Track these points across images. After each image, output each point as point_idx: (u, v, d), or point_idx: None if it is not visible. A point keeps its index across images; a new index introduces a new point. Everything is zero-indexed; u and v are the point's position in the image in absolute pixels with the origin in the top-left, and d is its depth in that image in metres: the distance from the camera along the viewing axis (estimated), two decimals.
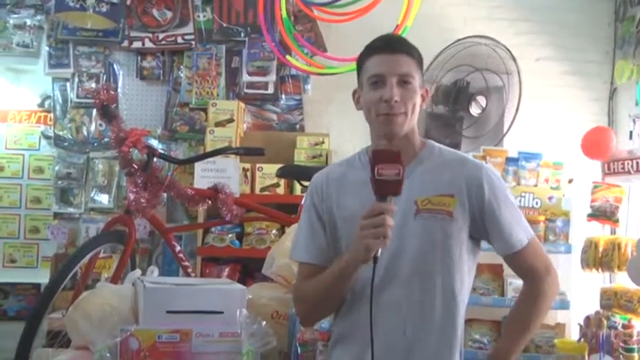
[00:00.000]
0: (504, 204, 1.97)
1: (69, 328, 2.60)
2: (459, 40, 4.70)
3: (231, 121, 4.52)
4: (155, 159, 3.17)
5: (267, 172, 4.37)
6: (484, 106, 4.77)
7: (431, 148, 2.05)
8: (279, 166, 3.86)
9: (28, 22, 4.87)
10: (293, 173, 3.75)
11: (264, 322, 2.55)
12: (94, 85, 4.81)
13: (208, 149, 4.26)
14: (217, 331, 2.30)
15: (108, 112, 3.13)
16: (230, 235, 4.31)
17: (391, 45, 1.98)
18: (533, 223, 4.16)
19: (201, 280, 3.07)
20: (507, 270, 4.29)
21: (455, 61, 4.71)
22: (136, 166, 3.13)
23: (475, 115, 4.76)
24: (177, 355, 2.26)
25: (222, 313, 2.35)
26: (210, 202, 3.29)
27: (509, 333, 2.04)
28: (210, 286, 2.53)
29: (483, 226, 1.97)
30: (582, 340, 3.89)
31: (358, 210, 1.85)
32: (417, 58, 2.00)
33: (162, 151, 3.25)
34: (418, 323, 1.94)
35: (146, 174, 3.15)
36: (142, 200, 3.09)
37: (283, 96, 4.90)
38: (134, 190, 3.11)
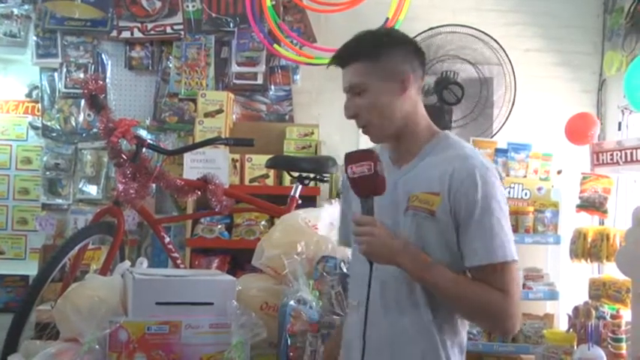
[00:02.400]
0: (482, 212, 1.78)
1: (58, 319, 2.59)
2: (438, 27, 4.66)
3: (220, 111, 4.50)
4: (144, 149, 3.15)
5: (257, 163, 4.36)
6: (473, 97, 4.76)
7: (437, 141, 1.91)
8: (269, 157, 3.85)
9: (16, 11, 4.83)
10: (282, 164, 3.74)
11: (254, 314, 2.56)
12: (82, 75, 4.77)
13: (197, 140, 4.23)
14: (207, 323, 2.31)
15: (96, 103, 3.10)
16: (219, 227, 4.29)
17: (338, 60, 1.93)
18: (522, 214, 4.23)
19: (190, 272, 3.07)
20: None
21: (442, 52, 4.69)
22: (124, 157, 3.10)
23: (464, 106, 4.76)
24: (166, 346, 2.26)
25: (211, 304, 2.35)
26: (199, 192, 3.28)
27: (452, 274, 1.81)
28: (200, 277, 2.53)
29: (458, 227, 1.83)
30: (571, 330, 3.92)
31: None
32: (372, 54, 1.87)
33: (151, 142, 3.22)
34: (397, 318, 1.90)
35: (135, 164, 3.12)
36: (131, 191, 3.07)
37: (272, 87, 4.89)
38: (123, 180, 3.09)
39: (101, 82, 3.15)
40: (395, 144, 1.95)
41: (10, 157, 4.98)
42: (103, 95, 3.26)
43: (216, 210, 3.26)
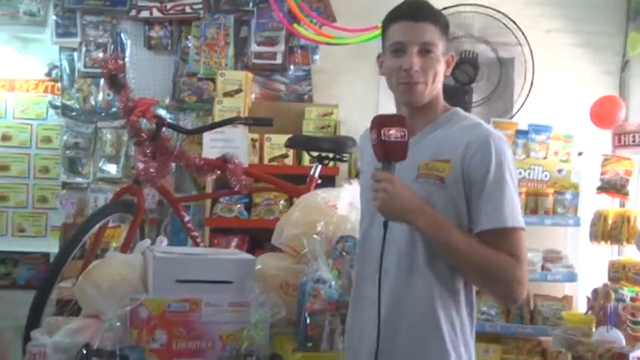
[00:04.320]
0: (497, 181, 1.82)
1: (79, 297, 2.62)
2: (458, 5, 4.62)
3: (239, 91, 4.48)
4: (164, 129, 3.15)
5: (276, 143, 4.35)
6: (493, 77, 4.73)
7: (453, 114, 1.98)
8: (288, 136, 3.84)
9: None
10: (302, 143, 3.73)
11: (273, 293, 2.57)
12: (101, 54, 4.77)
13: (216, 119, 4.23)
14: (226, 301, 2.32)
15: (116, 82, 3.10)
16: (238, 206, 4.30)
17: (415, 12, 1.93)
18: (542, 195, 4.21)
19: (210, 250, 3.07)
20: None
21: (462, 32, 4.65)
22: (144, 136, 3.11)
23: (484, 86, 4.73)
24: (186, 323, 2.28)
25: (231, 282, 2.36)
26: (219, 172, 3.28)
27: (466, 237, 1.84)
28: (220, 256, 2.54)
29: (469, 194, 1.86)
30: (590, 312, 3.92)
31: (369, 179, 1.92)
32: (442, 24, 1.95)
33: (170, 121, 3.23)
34: (403, 288, 1.92)
35: (155, 143, 3.13)
36: (151, 170, 3.08)
37: (292, 66, 4.86)
38: (143, 159, 3.10)
39: (121, 62, 3.14)
40: (414, 113, 1.97)
41: (30, 136, 5.00)
42: (123, 74, 3.23)
43: (236, 189, 3.27)
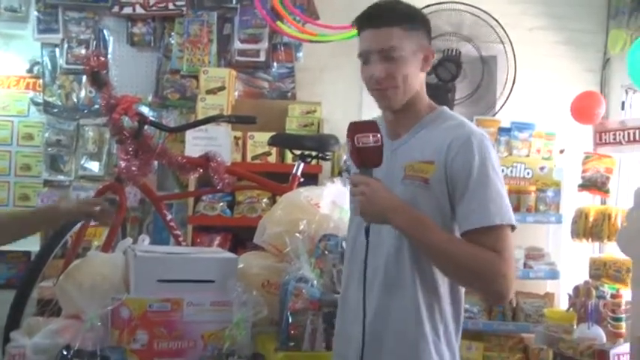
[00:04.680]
0: (480, 179, 1.81)
1: (60, 296, 2.60)
2: (440, 3, 4.64)
3: (222, 88, 4.47)
4: (146, 127, 3.14)
5: (259, 141, 4.35)
6: (476, 75, 4.75)
7: (437, 114, 1.96)
8: (271, 134, 3.85)
9: None
10: (285, 142, 3.73)
11: (255, 291, 2.57)
12: (83, 51, 4.73)
13: (200, 117, 4.22)
14: (208, 300, 2.31)
15: (98, 79, 3.09)
16: (221, 204, 4.29)
17: (373, 19, 1.90)
18: (524, 193, 4.23)
19: (192, 249, 3.06)
20: None
21: (444, 30, 4.66)
22: (126, 134, 3.10)
23: (466, 84, 4.74)
24: (168, 323, 2.27)
25: (213, 282, 2.36)
26: (201, 170, 3.28)
27: (447, 235, 1.84)
28: (202, 255, 2.53)
29: (453, 195, 1.85)
30: (571, 309, 3.94)
31: None
32: (408, 22, 1.89)
33: (153, 119, 3.22)
34: (390, 289, 1.92)
35: (137, 141, 3.12)
36: (133, 168, 3.07)
37: (275, 64, 4.85)
38: (125, 157, 3.09)
39: (103, 59, 3.14)
40: (397, 115, 1.97)
41: (11, 133, 4.95)
42: (105, 72, 3.21)
43: (218, 188, 3.27)
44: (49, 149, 4.78)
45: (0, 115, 4.95)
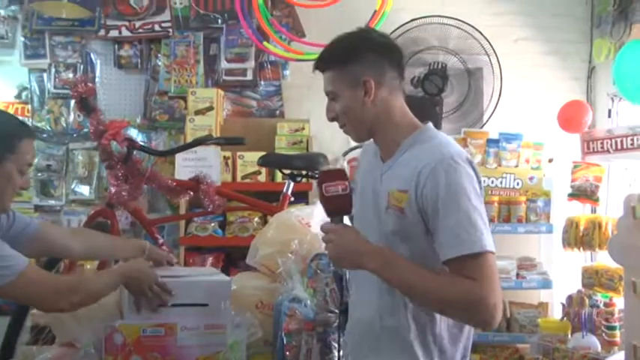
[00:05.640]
0: (448, 207, 1.77)
1: (54, 324, 2.60)
2: (423, 17, 4.67)
3: (210, 109, 4.48)
4: (135, 151, 3.14)
5: (249, 160, 4.35)
6: (462, 88, 4.77)
7: (416, 136, 1.93)
8: (261, 154, 3.86)
9: (2, 12, 4.76)
10: (274, 162, 3.74)
11: (249, 313, 2.57)
12: (71, 75, 4.73)
13: (189, 138, 4.24)
14: (202, 324, 2.31)
15: (86, 105, 3.10)
16: (213, 224, 4.29)
17: (317, 65, 2.02)
18: (514, 203, 4.25)
19: (186, 270, 3.05)
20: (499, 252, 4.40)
21: (429, 43, 4.69)
22: (116, 159, 3.10)
23: (454, 97, 4.77)
24: (162, 348, 2.27)
25: (207, 305, 2.35)
26: (191, 193, 3.28)
27: (419, 271, 1.80)
28: (195, 278, 2.52)
29: (429, 224, 1.83)
30: (565, 318, 3.95)
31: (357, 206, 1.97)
32: (341, 63, 1.94)
33: (142, 143, 3.23)
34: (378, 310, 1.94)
35: (127, 166, 3.13)
36: (124, 193, 3.08)
37: (262, 82, 4.86)
38: (115, 183, 3.10)
39: (91, 85, 3.17)
40: (376, 141, 2.01)
41: None
42: (93, 97, 3.22)
43: (209, 210, 3.27)
44: (39, 174, 4.77)
45: None
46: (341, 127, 2.01)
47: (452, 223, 1.77)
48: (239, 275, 2.99)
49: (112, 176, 3.12)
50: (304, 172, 3.55)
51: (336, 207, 1.90)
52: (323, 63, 1.99)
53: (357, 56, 1.93)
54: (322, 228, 1.92)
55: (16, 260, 2.02)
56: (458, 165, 1.82)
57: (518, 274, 4.30)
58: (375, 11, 4.12)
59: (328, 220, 1.96)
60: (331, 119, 2.00)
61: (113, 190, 3.10)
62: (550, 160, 4.55)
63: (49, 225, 2.93)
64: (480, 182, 1.86)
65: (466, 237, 1.76)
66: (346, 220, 1.94)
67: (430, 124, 1.99)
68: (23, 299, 2.13)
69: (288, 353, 2.49)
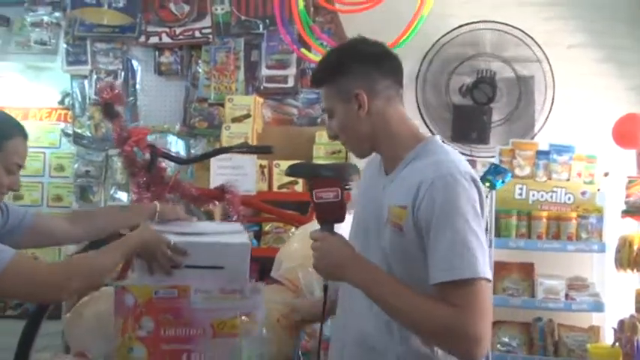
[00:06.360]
0: (442, 227, 1.64)
1: (67, 333, 2.55)
2: (471, 23, 4.49)
3: (247, 116, 4.39)
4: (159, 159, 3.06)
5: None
6: (512, 97, 4.57)
7: (422, 148, 1.81)
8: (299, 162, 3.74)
9: (46, 19, 4.84)
10: (302, 172, 3.58)
11: (269, 328, 2.45)
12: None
13: (224, 145, 4.15)
14: (217, 287, 2.17)
15: (111, 111, 3.02)
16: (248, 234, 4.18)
17: (312, 85, 1.97)
18: (564, 220, 4.02)
19: (205, 226, 2.76)
20: (539, 269, 4.19)
21: (478, 50, 4.51)
22: (139, 166, 3.02)
23: (503, 106, 4.56)
24: (175, 310, 2.14)
25: (222, 268, 2.19)
26: (216, 202, 3.18)
27: (403, 291, 1.68)
28: (212, 239, 2.29)
29: (425, 245, 1.69)
30: (617, 344, 3.69)
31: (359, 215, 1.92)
32: (332, 76, 1.84)
33: (165, 150, 3.14)
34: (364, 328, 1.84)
35: (150, 174, 3.03)
36: (145, 202, 2.98)
37: (303, 90, 4.74)
38: (136, 191, 3.01)
39: (117, 91, 3.07)
40: (382, 156, 1.90)
41: (43, 165, 4.99)
42: (120, 104, 3.14)
43: (233, 220, 3.15)
44: (79, 180, 4.79)
45: (32, 146, 4.93)
46: (343, 144, 1.95)
47: (444, 245, 1.64)
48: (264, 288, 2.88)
49: (134, 184, 3.03)
50: None
51: (327, 214, 1.83)
52: (315, 80, 1.92)
53: (344, 69, 1.83)
54: (311, 235, 1.84)
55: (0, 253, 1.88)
56: (457, 182, 1.68)
57: (567, 295, 4.06)
58: (414, 14, 3.95)
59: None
60: (332, 137, 1.92)
61: (135, 197, 3.02)
62: (605, 174, 4.29)
63: (45, 214, 2.87)
64: (482, 202, 1.72)
65: (457, 262, 1.62)
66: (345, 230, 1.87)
67: (436, 137, 1.88)
68: (13, 293, 2.00)
69: None
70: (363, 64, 1.83)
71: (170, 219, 2.36)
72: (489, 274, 1.64)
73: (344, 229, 2.70)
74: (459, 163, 1.74)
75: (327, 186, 1.82)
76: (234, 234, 2.37)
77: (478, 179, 1.74)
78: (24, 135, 2.15)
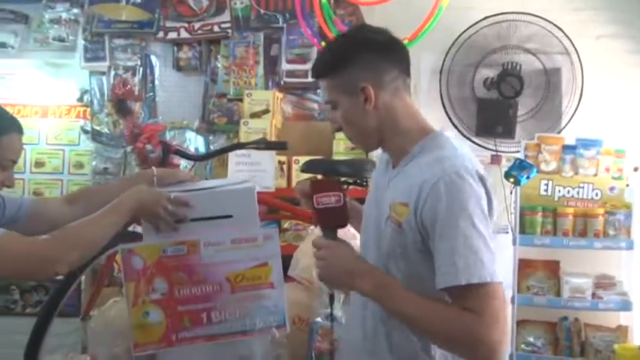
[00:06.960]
0: (446, 230, 1.58)
1: (89, 334, 2.56)
2: (496, 14, 4.37)
3: (266, 112, 4.32)
4: (172, 156, 3.01)
5: None
6: (539, 90, 4.44)
7: (427, 141, 1.74)
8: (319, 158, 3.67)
9: (64, 16, 4.80)
10: (318, 168, 3.50)
11: (277, 334, 2.38)
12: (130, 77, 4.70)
13: (242, 141, 4.08)
14: (228, 238, 2.07)
15: (123, 108, 3.01)
16: None
17: (312, 74, 1.88)
18: (591, 216, 3.89)
19: (207, 183, 2.67)
20: (564, 267, 4.07)
21: (503, 43, 4.38)
22: (151, 163, 2.97)
23: (529, 100, 4.43)
24: (187, 268, 2.05)
25: (230, 217, 2.10)
26: None
27: (414, 297, 1.62)
28: (215, 187, 2.21)
29: (428, 246, 1.64)
30: None
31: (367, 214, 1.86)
32: (333, 69, 1.76)
33: (178, 147, 3.08)
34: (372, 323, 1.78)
35: None
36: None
37: None
38: None
39: (129, 87, 3.04)
40: (387, 151, 1.83)
41: (62, 162, 4.97)
42: (132, 100, 3.10)
43: None
44: (97, 177, 4.76)
45: (52, 144, 4.98)
46: (347, 137, 1.86)
47: (448, 248, 1.58)
48: None
49: None
50: (351, 180, 3.32)
51: (329, 220, 1.75)
52: (316, 70, 1.83)
53: (349, 59, 1.75)
54: (314, 243, 1.76)
55: None
56: (463, 181, 1.60)
57: (594, 294, 3.94)
58: (433, 7, 3.85)
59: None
60: (336, 130, 1.85)
61: None
62: (635, 169, 4.16)
63: (41, 200, 2.82)
64: (490, 201, 1.64)
65: (463, 265, 1.55)
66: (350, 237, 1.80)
67: (442, 132, 1.78)
68: (11, 270, 1.95)
69: None
70: (368, 53, 1.74)
71: (170, 182, 2.26)
72: (497, 276, 1.56)
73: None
74: (465, 160, 1.65)
75: (329, 190, 1.75)
76: (238, 184, 2.27)
77: (485, 176, 1.66)
78: (19, 130, 2.09)
